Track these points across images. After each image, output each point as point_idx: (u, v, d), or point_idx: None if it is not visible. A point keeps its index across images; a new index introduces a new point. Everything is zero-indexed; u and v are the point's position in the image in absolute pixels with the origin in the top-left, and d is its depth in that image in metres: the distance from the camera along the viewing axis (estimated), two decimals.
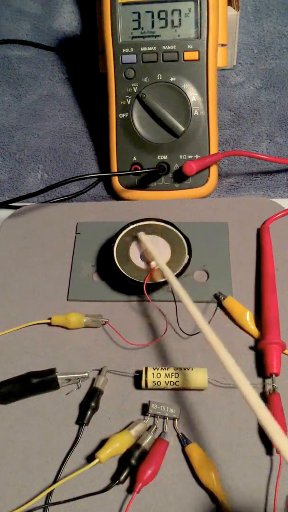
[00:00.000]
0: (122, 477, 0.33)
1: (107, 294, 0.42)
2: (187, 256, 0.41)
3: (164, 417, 0.35)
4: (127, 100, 0.48)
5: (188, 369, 0.36)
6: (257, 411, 0.25)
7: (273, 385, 0.36)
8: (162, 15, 0.47)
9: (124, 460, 0.33)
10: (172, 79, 0.47)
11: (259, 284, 0.41)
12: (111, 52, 0.48)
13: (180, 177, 0.49)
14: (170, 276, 0.36)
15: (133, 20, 0.47)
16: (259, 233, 0.44)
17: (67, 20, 0.66)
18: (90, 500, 0.32)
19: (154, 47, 0.47)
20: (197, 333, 0.39)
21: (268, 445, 0.34)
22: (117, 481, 0.32)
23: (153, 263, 0.41)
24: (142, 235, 0.42)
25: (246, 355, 0.38)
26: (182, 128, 0.47)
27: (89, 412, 0.35)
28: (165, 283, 0.40)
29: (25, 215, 0.48)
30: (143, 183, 0.49)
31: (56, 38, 0.65)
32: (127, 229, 0.43)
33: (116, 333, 0.39)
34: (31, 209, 0.48)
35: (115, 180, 0.50)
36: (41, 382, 0.36)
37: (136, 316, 0.40)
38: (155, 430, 0.35)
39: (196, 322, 0.32)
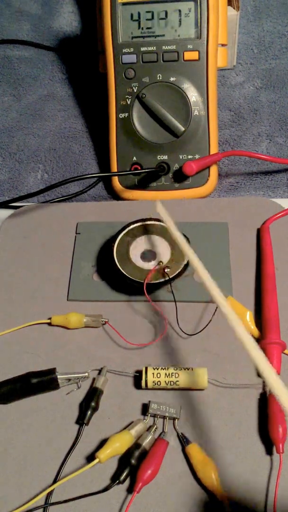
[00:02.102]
0: (122, 477, 0.33)
1: (107, 294, 0.42)
2: (187, 256, 0.41)
3: (164, 417, 0.35)
4: (127, 100, 0.48)
5: (188, 369, 0.36)
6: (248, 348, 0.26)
7: None
8: (162, 15, 0.47)
9: (124, 460, 0.33)
10: (172, 79, 0.47)
11: (259, 284, 0.41)
12: (111, 52, 0.48)
13: (180, 177, 0.49)
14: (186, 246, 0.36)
15: (133, 20, 0.47)
16: (259, 233, 0.44)
17: (67, 20, 0.66)
18: (90, 500, 0.32)
19: (154, 47, 0.47)
20: (197, 333, 0.39)
21: (268, 445, 0.34)
22: (117, 481, 0.32)
23: (153, 263, 0.41)
24: (158, 204, 0.41)
25: (246, 355, 0.38)
26: (182, 128, 0.47)
27: (89, 412, 0.35)
28: (165, 283, 0.40)
29: (25, 215, 0.48)
30: (143, 183, 0.49)
31: (56, 38, 0.65)
32: (127, 229, 0.43)
33: (116, 333, 0.39)
34: (31, 209, 0.48)
35: (115, 180, 0.50)
36: (41, 382, 0.36)
37: (136, 316, 0.40)
38: (155, 430, 0.35)
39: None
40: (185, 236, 0.42)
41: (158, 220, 0.43)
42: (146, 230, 0.43)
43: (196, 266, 0.34)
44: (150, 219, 0.43)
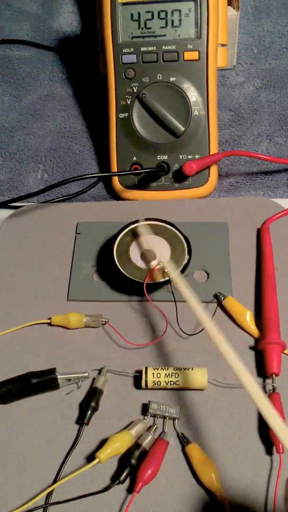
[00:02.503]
0: (122, 477, 0.33)
1: (107, 294, 0.42)
2: (187, 256, 0.41)
3: (164, 417, 0.35)
4: (127, 100, 0.48)
5: (188, 369, 0.36)
6: (257, 401, 0.26)
7: (273, 385, 0.36)
8: (162, 15, 0.47)
9: (124, 460, 0.33)
10: (172, 79, 0.47)
11: (259, 284, 0.41)
12: (111, 52, 0.48)
13: (180, 177, 0.49)
14: (174, 273, 0.36)
15: (133, 20, 0.47)
16: (259, 233, 0.44)
17: (67, 20, 0.66)
18: (90, 500, 0.32)
19: (154, 47, 0.47)
20: (197, 333, 0.39)
21: (268, 445, 0.34)
22: (117, 481, 0.32)
23: (153, 262, 0.41)
24: (142, 230, 0.41)
25: (246, 355, 0.38)
26: (182, 128, 0.47)
27: (89, 412, 0.35)
28: (165, 283, 0.40)
29: (25, 215, 0.48)
30: (143, 183, 0.49)
31: (56, 38, 0.65)
32: (127, 229, 0.43)
33: (116, 333, 0.39)
34: (31, 209, 0.48)
35: (115, 180, 0.50)
36: (41, 382, 0.36)
37: (136, 316, 0.40)
38: (155, 430, 0.35)
39: (196, 314, 0.32)
40: (185, 236, 0.42)
41: (158, 220, 0.43)
42: (146, 230, 0.43)
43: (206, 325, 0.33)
44: (150, 219, 0.43)
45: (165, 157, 0.48)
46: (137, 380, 0.37)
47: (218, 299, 0.40)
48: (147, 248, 0.40)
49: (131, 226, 0.43)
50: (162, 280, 0.40)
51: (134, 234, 0.43)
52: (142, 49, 0.47)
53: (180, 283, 0.35)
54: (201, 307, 0.32)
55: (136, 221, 0.43)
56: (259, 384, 0.36)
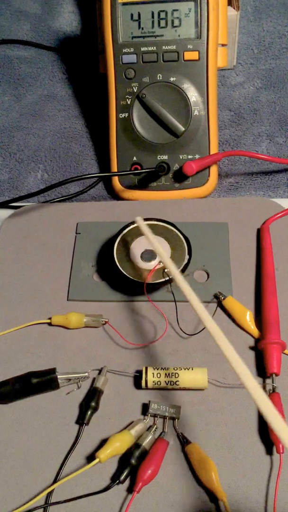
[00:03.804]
0: (122, 477, 0.33)
1: (107, 294, 0.42)
2: (187, 256, 0.41)
3: (164, 417, 0.35)
4: (127, 100, 0.48)
5: (188, 369, 0.36)
6: (258, 401, 0.25)
7: (273, 385, 0.36)
8: (162, 15, 0.47)
9: (124, 460, 0.33)
10: (172, 79, 0.47)
11: (259, 284, 0.41)
12: (111, 52, 0.48)
13: (180, 177, 0.49)
14: (175, 271, 0.36)
15: (133, 20, 0.47)
16: (259, 233, 0.45)
17: (67, 20, 0.66)
18: (90, 500, 0.32)
19: (154, 47, 0.47)
20: (197, 333, 0.39)
21: (268, 445, 0.34)
22: (117, 481, 0.32)
23: (153, 263, 0.41)
24: (143, 226, 0.41)
25: (246, 355, 0.38)
26: (182, 128, 0.47)
27: (89, 412, 0.35)
28: (165, 283, 0.40)
29: (25, 215, 0.48)
30: (143, 183, 0.49)
31: (56, 38, 0.65)
32: (127, 229, 0.43)
33: (116, 333, 0.39)
34: (31, 209, 0.48)
35: (115, 180, 0.50)
36: (41, 382, 0.36)
37: (136, 316, 0.40)
38: (155, 430, 0.35)
39: (199, 314, 0.31)
40: (185, 236, 0.42)
41: (158, 220, 0.43)
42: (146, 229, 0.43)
43: (183, 287, 0.33)
44: (150, 219, 0.43)
45: (165, 157, 0.48)
46: (137, 380, 0.37)
47: (218, 299, 0.40)
48: (153, 241, 0.39)
49: (131, 226, 0.43)
50: (162, 280, 0.40)
51: (135, 235, 0.43)
52: (142, 49, 0.47)
53: (179, 278, 0.34)
54: (200, 302, 0.32)
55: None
56: (259, 384, 0.36)
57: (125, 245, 0.42)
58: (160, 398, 0.36)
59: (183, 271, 0.40)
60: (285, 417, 0.34)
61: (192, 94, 0.47)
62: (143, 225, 0.40)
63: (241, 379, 0.26)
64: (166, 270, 0.40)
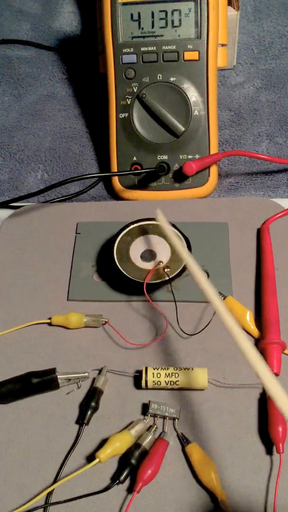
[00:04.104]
0: (122, 477, 0.33)
1: (107, 294, 0.42)
2: (188, 252, 0.41)
3: (164, 417, 0.35)
4: (127, 100, 0.48)
5: (188, 369, 0.36)
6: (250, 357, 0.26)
7: None
8: (162, 15, 0.47)
9: (124, 460, 0.33)
10: (172, 79, 0.47)
11: (259, 284, 0.41)
12: (111, 52, 0.48)
13: (180, 177, 0.49)
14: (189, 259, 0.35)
15: (133, 20, 0.47)
16: (259, 233, 0.45)
17: (67, 20, 0.66)
18: (90, 500, 0.32)
19: (154, 47, 0.47)
20: (197, 333, 0.39)
21: (268, 445, 0.34)
22: (117, 481, 0.32)
23: (153, 263, 0.41)
24: (160, 215, 0.41)
25: (244, 358, 0.38)
26: (182, 128, 0.47)
27: (89, 412, 0.35)
28: (165, 283, 0.40)
29: (25, 215, 0.48)
30: (143, 183, 0.49)
31: (56, 38, 0.65)
32: (127, 229, 0.43)
33: (116, 333, 0.39)
34: (31, 209, 0.48)
35: (115, 180, 0.50)
36: (41, 382, 0.36)
37: (136, 316, 0.40)
38: (155, 430, 0.35)
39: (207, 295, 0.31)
40: (185, 236, 0.42)
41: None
42: (146, 230, 0.43)
43: (194, 271, 0.33)
44: (150, 219, 0.43)
45: (165, 157, 0.48)
46: (137, 380, 0.37)
47: None
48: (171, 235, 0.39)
49: (131, 226, 0.43)
50: (162, 280, 0.40)
51: (144, 232, 0.43)
52: (142, 49, 0.47)
53: (191, 262, 0.34)
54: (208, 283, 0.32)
55: (136, 222, 0.43)
56: (259, 384, 0.36)
57: (125, 245, 0.42)
58: (160, 398, 0.36)
59: (183, 271, 0.40)
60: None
61: (192, 94, 0.47)
62: (163, 220, 0.40)
63: (256, 369, 0.26)
64: (167, 270, 0.40)
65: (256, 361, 0.26)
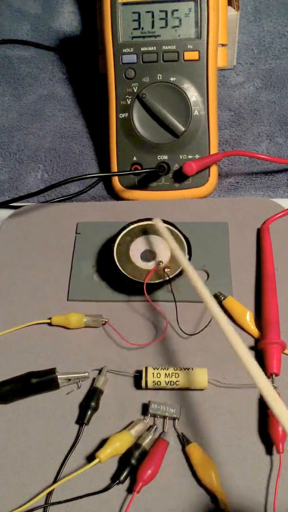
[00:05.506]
0: (122, 477, 0.33)
1: (107, 294, 0.42)
2: (187, 256, 0.41)
3: (164, 417, 0.35)
4: (127, 100, 0.48)
5: (188, 369, 0.36)
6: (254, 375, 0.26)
7: (273, 385, 0.36)
8: (162, 15, 0.47)
9: (124, 460, 0.33)
10: (172, 79, 0.47)
11: (259, 284, 0.41)
12: (111, 52, 0.48)
13: (180, 177, 0.49)
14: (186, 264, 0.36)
15: (133, 20, 0.47)
16: (259, 233, 0.45)
17: (67, 20, 0.66)
18: (90, 500, 0.32)
19: (154, 47, 0.47)
20: (197, 333, 0.39)
21: (268, 445, 0.34)
22: (117, 481, 0.32)
23: (153, 263, 0.41)
24: (158, 222, 0.41)
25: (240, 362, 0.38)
26: (182, 128, 0.47)
27: (89, 412, 0.35)
28: (165, 283, 0.40)
29: (25, 215, 0.48)
30: (143, 183, 0.49)
31: (56, 38, 0.65)
32: (127, 229, 0.43)
33: (116, 333, 0.39)
34: (31, 209, 0.48)
35: (115, 180, 0.50)
36: (41, 382, 0.36)
37: (136, 316, 0.40)
38: (155, 430, 0.35)
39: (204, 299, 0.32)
40: (185, 236, 0.42)
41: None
42: (146, 230, 0.43)
43: (190, 275, 0.34)
44: (150, 219, 0.43)
45: (165, 157, 0.48)
46: (137, 380, 0.37)
47: (218, 299, 0.40)
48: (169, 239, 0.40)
49: (131, 226, 0.43)
50: (162, 280, 0.40)
51: (144, 232, 0.43)
52: (142, 49, 0.47)
53: (188, 268, 0.35)
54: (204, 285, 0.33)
55: (136, 222, 0.43)
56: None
57: (125, 245, 0.42)
58: (160, 398, 0.36)
59: (182, 271, 0.40)
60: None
61: (192, 94, 0.47)
62: (162, 226, 0.41)
63: (249, 371, 0.27)
64: (167, 270, 0.40)
65: (252, 367, 0.26)
